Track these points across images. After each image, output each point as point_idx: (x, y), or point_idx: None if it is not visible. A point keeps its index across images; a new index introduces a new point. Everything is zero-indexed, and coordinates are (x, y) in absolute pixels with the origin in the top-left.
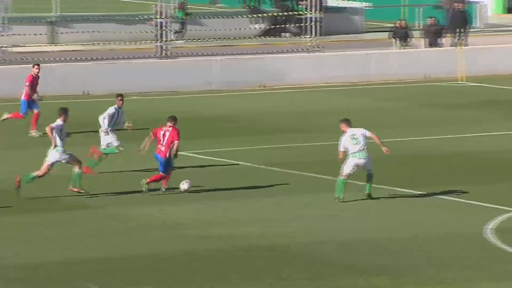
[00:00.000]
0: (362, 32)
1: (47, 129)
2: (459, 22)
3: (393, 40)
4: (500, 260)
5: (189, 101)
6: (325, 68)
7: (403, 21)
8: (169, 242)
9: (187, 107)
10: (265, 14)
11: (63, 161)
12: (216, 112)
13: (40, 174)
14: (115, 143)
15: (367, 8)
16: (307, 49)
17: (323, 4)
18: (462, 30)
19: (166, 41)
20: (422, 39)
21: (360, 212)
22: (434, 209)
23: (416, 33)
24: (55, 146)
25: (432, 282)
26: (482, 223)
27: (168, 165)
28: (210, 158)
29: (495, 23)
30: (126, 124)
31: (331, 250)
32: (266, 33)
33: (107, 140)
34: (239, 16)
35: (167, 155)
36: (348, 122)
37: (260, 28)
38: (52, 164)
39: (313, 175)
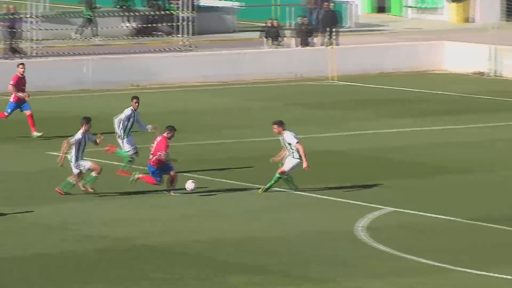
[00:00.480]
0: (234, 32)
1: (64, 145)
2: (329, 21)
3: (265, 39)
4: (371, 257)
5: (61, 101)
6: (198, 68)
7: (275, 21)
8: (59, 241)
9: (59, 106)
10: (136, 14)
11: (83, 170)
12: (88, 112)
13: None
14: (131, 152)
15: (239, 7)
16: (180, 48)
17: (195, 3)
18: (332, 29)
19: (37, 40)
20: (294, 38)
21: (234, 211)
22: (304, 207)
23: (287, 32)
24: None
25: (303, 279)
26: (353, 221)
27: (155, 173)
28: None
29: (365, 22)
30: (151, 128)
31: (210, 248)
32: (138, 32)
33: (124, 147)
34: (111, 15)
35: (153, 163)
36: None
37: (132, 27)
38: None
39: (185, 174)
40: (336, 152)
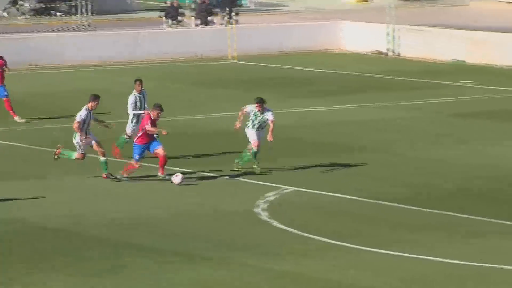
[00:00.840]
0: (134, 11)
1: (75, 126)
2: (228, 1)
3: (165, 19)
4: (271, 236)
5: None
6: (98, 47)
7: (174, 0)
8: None
9: None
10: None
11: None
12: None
13: (78, 158)
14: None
15: None
16: (79, 28)
17: None
18: (231, 9)
19: None
20: (193, 18)
21: (132, 191)
22: (205, 187)
23: (187, 12)
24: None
25: (202, 259)
26: (253, 200)
27: (136, 150)
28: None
29: (264, 2)
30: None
31: (95, 227)
32: (36, 12)
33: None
34: None
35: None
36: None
37: (30, 6)
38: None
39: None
40: (236, 132)
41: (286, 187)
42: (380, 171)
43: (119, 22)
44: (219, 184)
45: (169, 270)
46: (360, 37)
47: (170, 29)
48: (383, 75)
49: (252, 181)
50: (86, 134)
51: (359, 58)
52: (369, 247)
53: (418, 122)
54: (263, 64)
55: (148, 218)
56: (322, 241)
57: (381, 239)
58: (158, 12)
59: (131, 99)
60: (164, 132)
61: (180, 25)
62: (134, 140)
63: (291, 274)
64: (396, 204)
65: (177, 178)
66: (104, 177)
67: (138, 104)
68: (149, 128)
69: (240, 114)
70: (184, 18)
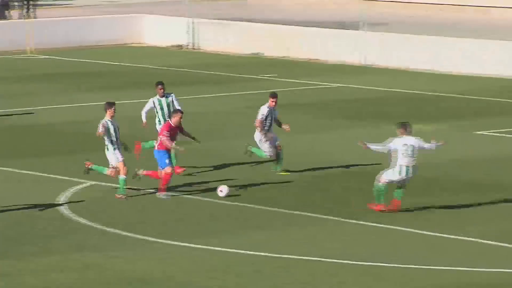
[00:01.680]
0: None
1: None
2: None
3: None
4: (73, 232)
5: None
6: None
7: None
8: None
9: None
10: None
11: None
12: None
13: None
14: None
15: None
16: None
17: None
18: (29, 2)
19: None
20: None
21: None
22: (6, 182)
23: None
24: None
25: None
26: (54, 195)
27: (162, 157)
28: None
29: None
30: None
31: None
32: None
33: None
34: None
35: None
36: None
37: None
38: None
39: None
40: (31, 126)
41: (87, 181)
42: (183, 163)
43: None
44: (21, 179)
45: None
46: (160, 31)
47: None
48: (182, 69)
49: (53, 175)
50: (113, 148)
51: (159, 51)
52: (170, 240)
53: (215, 115)
54: (62, 58)
55: None
56: (123, 234)
57: (183, 232)
58: None
59: (149, 103)
60: (181, 150)
61: None
62: (155, 147)
63: (92, 267)
64: (198, 197)
65: (223, 192)
66: (120, 198)
67: (158, 110)
68: (164, 140)
69: (259, 123)
70: None
